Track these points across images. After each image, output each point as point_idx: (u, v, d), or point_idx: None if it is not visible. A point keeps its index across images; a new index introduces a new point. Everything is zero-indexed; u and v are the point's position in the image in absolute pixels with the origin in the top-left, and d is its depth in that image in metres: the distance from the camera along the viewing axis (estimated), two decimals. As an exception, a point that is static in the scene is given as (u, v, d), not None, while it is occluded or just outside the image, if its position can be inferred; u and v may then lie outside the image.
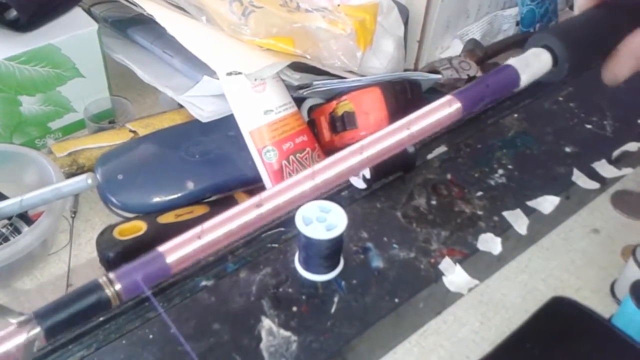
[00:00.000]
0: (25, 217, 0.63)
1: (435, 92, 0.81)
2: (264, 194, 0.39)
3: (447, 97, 0.43)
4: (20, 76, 0.68)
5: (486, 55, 0.89)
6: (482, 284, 0.62)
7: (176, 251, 0.37)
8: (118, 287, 0.35)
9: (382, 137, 0.41)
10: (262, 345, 0.49)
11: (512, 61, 0.44)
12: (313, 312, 0.53)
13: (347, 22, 0.63)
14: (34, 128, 0.73)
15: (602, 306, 0.62)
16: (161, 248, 0.38)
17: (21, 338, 0.32)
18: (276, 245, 0.59)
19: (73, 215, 0.68)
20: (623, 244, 0.70)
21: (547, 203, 0.63)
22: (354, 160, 0.40)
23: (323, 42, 0.64)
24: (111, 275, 0.36)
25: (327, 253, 0.54)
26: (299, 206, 0.53)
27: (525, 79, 0.44)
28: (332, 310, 0.53)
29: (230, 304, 0.53)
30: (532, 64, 0.44)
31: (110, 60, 0.78)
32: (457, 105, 0.42)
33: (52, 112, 0.73)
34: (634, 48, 0.44)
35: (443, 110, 0.42)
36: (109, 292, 0.35)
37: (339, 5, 0.66)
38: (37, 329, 0.33)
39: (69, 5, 0.72)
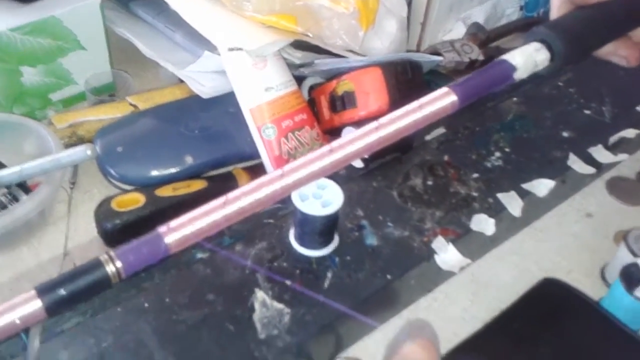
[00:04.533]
0: (24, 187, 0.64)
1: (436, 74, 0.81)
2: (263, 179, 0.40)
3: (444, 90, 0.43)
4: (22, 47, 0.69)
5: (489, 39, 0.89)
6: (474, 264, 0.63)
7: (175, 232, 0.38)
8: (119, 265, 0.36)
9: (378, 128, 0.42)
10: (255, 317, 0.50)
11: (508, 55, 0.45)
12: (306, 286, 0.53)
13: (349, 0, 0.63)
14: (35, 99, 0.73)
15: (592, 289, 0.63)
16: (161, 229, 0.38)
17: (24, 310, 0.33)
18: (272, 220, 0.59)
19: (72, 186, 0.69)
20: (616, 229, 0.70)
21: (542, 186, 0.64)
22: (351, 148, 0.41)
23: (325, 21, 0.64)
24: (112, 253, 0.37)
25: (322, 229, 0.55)
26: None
27: (520, 73, 0.44)
28: (326, 285, 0.54)
29: (225, 276, 0.54)
30: (529, 59, 0.44)
31: (112, 34, 0.78)
32: (453, 98, 0.43)
33: (53, 83, 0.74)
34: None
35: (439, 102, 0.42)
36: (109, 270, 0.35)
37: (341, -17, 0.66)
38: (39, 303, 0.34)
39: (72, -23, 0.72)
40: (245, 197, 0.38)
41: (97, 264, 0.34)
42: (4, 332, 0.34)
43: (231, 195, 0.38)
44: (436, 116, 0.42)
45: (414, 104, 0.41)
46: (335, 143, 0.39)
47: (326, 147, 0.39)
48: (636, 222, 0.68)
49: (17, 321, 0.33)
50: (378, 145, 0.41)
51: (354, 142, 0.40)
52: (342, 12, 0.64)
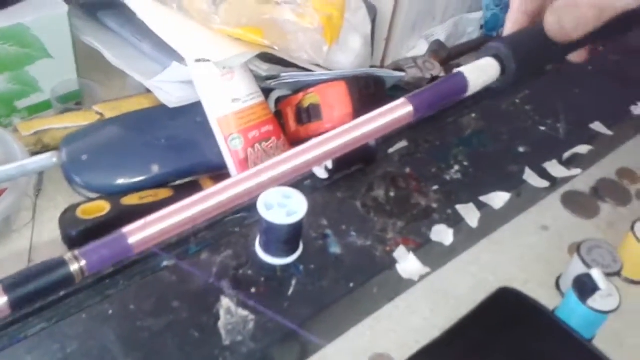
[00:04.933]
0: (-12, 193, 0.63)
1: (399, 89, 0.83)
2: (226, 182, 0.41)
3: (401, 100, 0.45)
4: (-12, 54, 0.69)
5: (450, 56, 0.92)
6: (434, 274, 0.64)
7: (139, 233, 0.39)
8: (83, 263, 0.36)
9: (336, 136, 0.43)
10: (220, 323, 0.51)
11: (462, 69, 0.47)
12: (271, 294, 0.55)
13: (314, 16, 0.65)
14: (0, 106, 0.73)
15: (547, 299, 0.65)
16: (125, 229, 0.39)
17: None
18: (238, 229, 0.60)
19: (37, 194, 0.68)
20: (570, 241, 0.73)
21: (498, 199, 0.66)
22: (309, 155, 0.42)
23: (291, 35, 0.66)
24: (77, 252, 0.37)
25: (287, 238, 0.56)
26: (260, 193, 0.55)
27: (474, 86, 0.47)
28: (290, 292, 0.55)
29: (191, 284, 0.55)
30: (481, 72, 0.46)
31: (80, 43, 0.78)
32: (409, 108, 0.45)
33: (19, 91, 0.74)
34: None
35: (395, 112, 0.44)
36: (73, 268, 0.36)
37: (307, -1, 0.68)
38: (5, 298, 0.34)
39: (40, -15, 0.72)
40: (208, 200, 0.39)
41: (61, 262, 0.35)
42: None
43: (193, 197, 0.39)
44: (393, 125, 0.44)
45: (373, 113, 0.43)
46: (298, 149, 0.41)
47: (289, 152, 0.41)
48: (589, 234, 0.71)
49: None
50: (338, 152, 0.43)
51: (316, 148, 0.41)
52: (307, 27, 0.65)
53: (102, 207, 0.63)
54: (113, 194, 0.65)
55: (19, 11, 0.70)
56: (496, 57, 0.47)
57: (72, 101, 0.79)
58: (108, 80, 0.83)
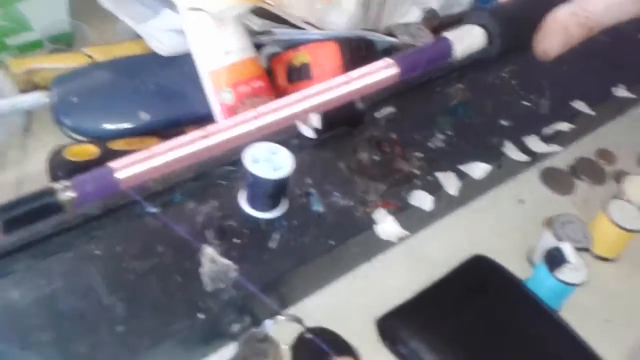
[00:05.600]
0: (-23, 129, 0.64)
1: (390, 54, 0.84)
2: (210, 127, 0.42)
3: (388, 60, 0.47)
4: (-21, -12, 0.68)
5: (442, 25, 0.92)
6: (411, 238, 0.66)
7: (126, 168, 0.40)
8: (72, 193, 0.38)
9: (323, 90, 0.45)
10: (203, 270, 0.53)
11: (448, 34, 0.48)
12: (254, 246, 0.56)
13: (311, -27, 0.65)
14: (-10, 42, 0.72)
15: (518, 270, 0.68)
16: (112, 164, 0.40)
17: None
18: (224, 182, 0.61)
19: (25, 133, 0.68)
20: (545, 216, 0.75)
21: (478, 169, 0.68)
22: (296, 107, 0.44)
23: (287, -9, 0.66)
24: (66, 182, 0.38)
25: (272, 192, 0.57)
26: (247, 145, 0.56)
27: (459, 52, 0.48)
28: (272, 245, 0.57)
29: (176, 231, 0.56)
30: (467, 39, 0.48)
31: (72, -17, 0.77)
32: (396, 69, 0.46)
33: (9, 27, 0.73)
34: (560, 19, 0.47)
35: (382, 71, 0.46)
36: (63, 196, 0.37)
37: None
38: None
39: None
40: (194, 142, 0.40)
41: (51, 191, 0.36)
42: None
43: (180, 139, 0.41)
44: (379, 85, 0.45)
45: (359, 71, 0.44)
46: (284, 100, 0.42)
47: (275, 103, 0.42)
48: (564, 210, 0.73)
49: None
50: (323, 106, 0.44)
51: (302, 101, 0.42)
52: (304, -17, 0.66)
53: (90, 151, 0.63)
54: (100, 138, 0.66)
55: (13, -54, 0.69)
56: (483, 26, 0.48)
57: (63, 42, 0.78)
58: (100, 23, 0.82)
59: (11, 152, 0.66)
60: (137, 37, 0.75)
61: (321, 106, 0.44)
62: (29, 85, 0.69)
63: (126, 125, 0.67)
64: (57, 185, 0.36)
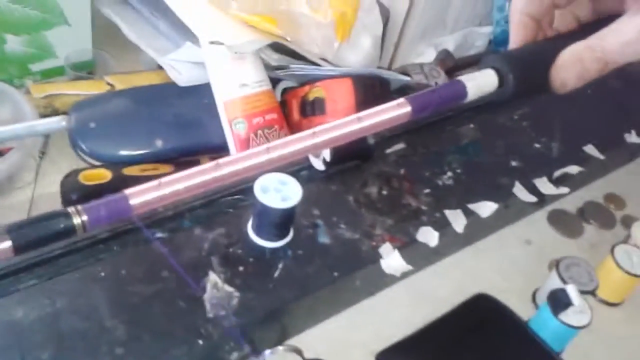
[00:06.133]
0: (-5, 150, 0.65)
1: (403, 93, 0.85)
2: (223, 159, 0.43)
3: (400, 100, 0.48)
4: (9, 14, 0.71)
5: (456, 66, 0.94)
6: (416, 274, 0.66)
7: (139, 196, 0.41)
8: (84, 218, 0.38)
9: (335, 127, 0.46)
10: (206, 296, 0.53)
11: (462, 77, 0.49)
12: (258, 274, 0.57)
13: (328, 11, 0.67)
14: (15, 67, 0.75)
15: (522, 310, 0.68)
16: (127, 191, 0.42)
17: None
18: (232, 210, 0.62)
19: (41, 156, 0.70)
20: (552, 258, 0.75)
21: (485, 208, 0.68)
22: (307, 142, 0.45)
23: (304, 27, 0.68)
24: (79, 207, 0.40)
25: (279, 222, 0.58)
26: (258, 176, 0.57)
27: (472, 94, 0.49)
28: (276, 274, 0.57)
29: (181, 256, 0.57)
30: (480, 82, 0.49)
31: (98, 14, 0.80)
32: (408, 108, 0.47)
33: (34, 54, 0.76)
34: (576, 52, 0.48)
35: (394, 111, 0.47)
36: (75, 221, 0.38)
37: (323, -5, 0.70)
38: (9, 242, 0.36)
39: (65, -46, 0.74)
40: (208, 172, 0.41)
41: (65, 214, 0.37)
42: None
43: (195, 169, 0.42)
44: (391, 123, 0.46)
45: (373, 109, 0.45)
46: (297, 135, 0.43)
47: (289, 138, 0.43)
48: (571, 253, 0.73)
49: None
50: (335, 142, 0.45)
51: (315, 137, 0.43)
52: (320, 21, 0.67)
53: (103, 175, 0.65)
54: (116, 164, 0.67)
55: (42, -24, 0.72)
56: (495, 69, 0.49)
57: (85, 70, 0.81)
58: (122, 53, 0.85)
59: (26, 174, 0.68)
60: (158, 68, 0.77)
61: (332, 142, 0.45)
62: (48, 110, 0.71)
63: (141, 152, 0.69)
64: (70, 209, 0.37)
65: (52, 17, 0.74)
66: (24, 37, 0.73)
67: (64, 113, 0.71)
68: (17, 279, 0.53)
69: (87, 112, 0.69)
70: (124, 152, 0.68)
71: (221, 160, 0.45)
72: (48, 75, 0.78)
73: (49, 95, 0.71)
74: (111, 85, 0.74)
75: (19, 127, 0.61)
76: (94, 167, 0.67)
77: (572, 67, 0.48)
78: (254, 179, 0.57)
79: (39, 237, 0.36)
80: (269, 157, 0.45)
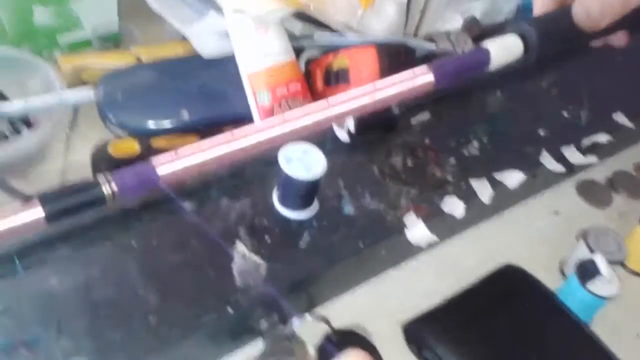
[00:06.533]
0: (27, 121, 0.66)
1: (429, 61, 0.84)
2: (246, 128, 0.43)
3: (423, 67, 0.47)
4: (35, -14, 0.71)
5: (483, 33, 0.92)
6: (442, 244, 0.67)
7: (166, 164, 0.41)
8: (114, 186, 0.39)
9: (356, 96, 0.45)
10: (233, 265, 0.54)
11: (487, 44, 0.48)
12: (284, 244, 0.57)
13: (353, -21, 0.66)
14: (43, 38, 0.75)
15: (550, 281, 0.67)
16: (154, 160, 0.42)
17: (25, 216, 0.36)
18: (258, 180, 0.63)
19: (71, 127, 0.71)
20: (580, 228, 0.74)
21: (512, 178, 0.68)
22: (327, 113, 0.44)
23: (328, -4, 0.67)
24: (109, 176, 0.40)
25: (304, 192, 0.58)
26: (282, 146, 0.57)
27: (496, 61, 0.48)
28: (301, 245, 0.58)
29: (210, 226, 0.57)
30: (505, 49, 0.48)
31: (123, -15, 0.80)
32: (430, 77, 0.46)
33: (62, 25, 0.76)
34: None
35: (417, 79, 0.46)
36: (105, 189, 0.39)
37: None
38: (41, 211, 0.37)
39: None
40: (234, 141, 0.42)
41: (94, 183, 0.37)
42: (5, 235, 0.37)
43: (220, 138, 0.42)
44: (414, 92, 0.46)
45: (394, 77, 0.45)
46: (319, 103, 0.43)
47: (311, 106, 0.43)
48: (600, 223, 0.72)
49: (18, 224, 0.37)
50: (358, 111, 0.45)
51: (337, 105, 0.43)
52: (346, -11, 0.67)
53: (132, 147, 0.65)
54: (143, 135, 0.68)
55: (68, -52, 0.72)
56: (521, 35, 0.49)
57: (111, 42, 0.81)
58: (148, 25, 0.84)
59: (56, 145, 0.69)
60: (183, 38, 0.77)
61: (352, 112, 0.45)
62: (76, 82, 0.71)
63: (167, 123, 0.69)
64: (100, 178, 0.38)
65: (77, -12, 0.74)
66: (51, 8, 0.74)
67: (92, 84, 0.71)
68: (53, 248, 0.54)
69: (115, 84, 0.69)
70: (151, 124, 0.68)
71: (245, 129, 0.45)
72: (75, 47, 0.79)
73: (76, 67, 0.72)
74: (137, 57, 0.74)
75: (48, 97, 0.62)
76: (122, 139, 0.68)
77: None
78: (279, 148, 0.57)
79: (70, 205, 0.37)
80: (293, 126, 0.45)
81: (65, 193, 0.38)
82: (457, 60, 0.49)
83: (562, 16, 0.51)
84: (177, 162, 0.40)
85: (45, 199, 0.37)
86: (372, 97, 0.44)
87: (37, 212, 0.36)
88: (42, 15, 0.74)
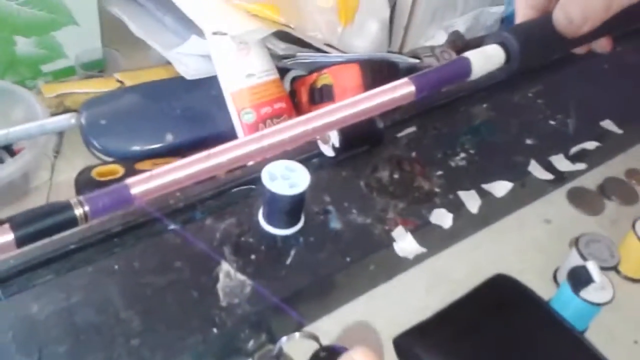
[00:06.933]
0: (10, 150, 0.66)
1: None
2: (222, 146, 0.43)
3: (403, 80, 0.47)
4: (17, 17, 0.71)
5: (467, 48, 0.92)
6: (433, 257, 0.66)
7: (141, 185, 0.41)
8: (86, 208, 0.39)
9: (338, 109, 0.45)
10: (219, 286, 0.53)
11: (467, 54, 0.48)
12: (270, 262, 0.57)
13: (330, -4, 0.67)
14: (26, 69, 0.76)
15: (544, 290, 0.66)
16: (128, 180, 0.42)
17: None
18: (243, 200, 0.62)
19: (56, 155, 0.71)
20: (572, 236, 0.73)
21: (500, 187, 0.67)
22: (311, 125, 0.44)
23: (307, 14, 0.68)
24: (81, 197, 0.40)
25: (289, 209, 0.58)
26: (265, 163, 0.57)
27: (478, 71, 0.48)
28: (288, 261, 0.57)
29: (194, 247, 0.57)
30: (487, 58, 0.48)
31: (106, 12, 0.81)
32: (411, 88, 0.46)
33: (44, 55, 0.76)
34: None
35: (397, 90, 0.46)
36: (77, 212, 0.38)
37: (326, -20, 0.69)
38: (11, 235, 0.36)
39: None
40: (208, 159, 0.41)
41: (66, 206, 0.37)
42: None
43: (194, 156, 0.42)
44: (394, 103, 0.45)
45: (375, 90, 0.44)
46: (299, 119, 0.43)
47: (289, 122, 0.42)
48: (592, 230, 0.71)
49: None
50: (339, 124, 0.44)
51: (318, 119, 0.43)
52: (323, 6, 0.67)
53: (116, 171, 0.65)
54: (128, 159, 0.68)
55: (48, -22, 0.73)
56: (501, 44, 0.49)
57: (96, 69, 0.81)
58: (131, 50, 0.85)
59: (41, 172, 0.69)
60: (167, 63, 0.78)
61: (332, 125, 0.44)
62: (60, 109, 0.71)
63: (152, 146, 0.69)
64: (72, 200, 0.38)
65: (60, 17, 0.75)
66: (34, 39, 0.74)
67: (75, 111, 0.71)
68: (34, 274, 0.53)
69: (98, 109, 0.69)
70: (135, 148, 0.68)
71: (224, 146, 0.44)
72: (59, 75, 0.79)
73: (60, 95, 0.72)
74: (121, 82, 0.74)
75: (29, 126, 0.62)
76: (106, 163, 0.67)
77: (576, 4, 0.46)
78: (263, 167, 0.57)
79: (41, 230, 0.36)
80: (268, 141, 0.44)
81: (37, 216, 0.37)
82: (437, 70, 0.49)
83: (543, 23, 0.51)
84: (153, 181, 0.40)
85: (15, 222, 0.36)
86: (354, 109, 0.43)
87: (6, 236, 0.36)
88: (24, 46, 0.74)
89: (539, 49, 0.50)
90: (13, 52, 0.73)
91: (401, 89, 0.47)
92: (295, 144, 0.46)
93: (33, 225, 0.37)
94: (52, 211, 0.38)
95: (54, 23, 0.75)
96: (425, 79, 0.48)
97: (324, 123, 0.45)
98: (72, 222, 0.39)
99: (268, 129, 0.44)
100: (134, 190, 0.40)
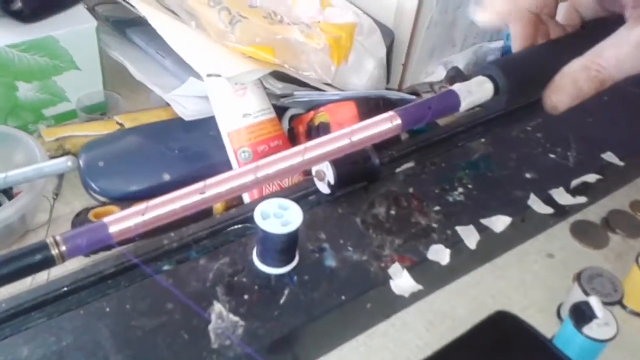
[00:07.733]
0: (9, 194, 0.67)
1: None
2: (208, 181, 0.43)
3: (390, 114, 0.47)
4: (19, 63, 0.73)
5: (467, 83, 0.93)
6: (433, 295, 0.65)
7: (119, 223, 0.41)
8: (63, 248, 0.39)
9: (324, 143, 0.45)
10: (211, 327, 0.53)
11: (456, 87, 0.48)
12: (263, 302, 0.56)
13: (322, 37, 0.68)
14: (29, 113, 0.77)
15: (548, 327, 0.65)
16: (106, 219, 0.42)
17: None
18: (238, 239, 0.62)
19: (55, 197, 0.72)
20: (576, 270, 0.72)
21: (499, 222, 0.66)
22: (295, 160, 0.44)
23: (301, 54, 0.69)
24: (58, 237, 0.40)
25: (282, 248, 0.58)
26: (259, 202, 0.57)
27: (465, 105, 0.48)
28: (282, 301, 0.56)
29: (186, 288, 0.56)
30: (474, 91, 0.48)
31: (107, 57, 0.82)
32: (398, 122, 0.46)
33: (47, 100, 0.78)
34: (570, 74, 0.47)
35: (384, 125, 0.46)
36: (54, 252, 0.39)
37: (318, 22, 0.70)
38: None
39: (71, 2, 0.76)
40: (187, 197, 0.41)
41: (43, 246, 0.37)
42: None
43: (173, 194, 0.42)
44: (381, 137, 0.45)
45: (361, 124, 0.45)
46: (283, 154, 0.43)
47: (272, 157, 0.42)
48: (596, 264, 0.70)
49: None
50: (327, 157, 0.44)
51: (303, 153, 0.43)
52: (315, 47, 0.68)
53: (113, 212, 0.65)
54: (126, 200, 0.68)
55: (50, 24, 0.75)
56: (489, 76, 0.49)
57: (98, 112, 0.83)
58: (132, 93, 0.87)
59: (41, 216, 0.69)
60: (167, 105, 0.79)
61: (320, 159, 0.45)
62: (60, 152, 0.72)
63: (150, 187, 0.70)
64: (49, 240, 0.38)
65: (61, 63, 0.76)
66: (36, 84, 0.76)
67: (76, 155, 0.72)
68: (27, 318, 0.53)
69: (96, 152, 0.70)
70: (132, 188, 0.69)
71: (203, 183, 0.45)
72: (62, 119, 0.80)
73: (59, 138, 0.73)
74: (121, 124, 0.75)
75: (28, 170, 0.63)
76: (104, 204, 0.68)
77: (567, 89, 0.47)
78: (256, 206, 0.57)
79: (17, 269, 0.37)
80: (251, 178, 0.44)
81: (13, 257, 0.37)
82: (424, 103, 0.49)
83: (532, 55, 0.51)
84: (131, 220, 0.40)
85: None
86: (349, 142, 0.44)
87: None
88: (26, 91, 0.76)
89: (527, 80, 0.50)
90: (15, 97, 0.75)
91: (387, 123, 0.47)
92: (278, 178, 0.46)
93: (8, 267, 0.38)
94: (29, 252, 0.38)
95: (56, 69, 0.76)
96: (411, 112, 0.48)
97: (312, 157, 0.45)
98: (50, 261, 0.39)
99: (252, 164, 0.44)
100: (113, 229, 0.41)
